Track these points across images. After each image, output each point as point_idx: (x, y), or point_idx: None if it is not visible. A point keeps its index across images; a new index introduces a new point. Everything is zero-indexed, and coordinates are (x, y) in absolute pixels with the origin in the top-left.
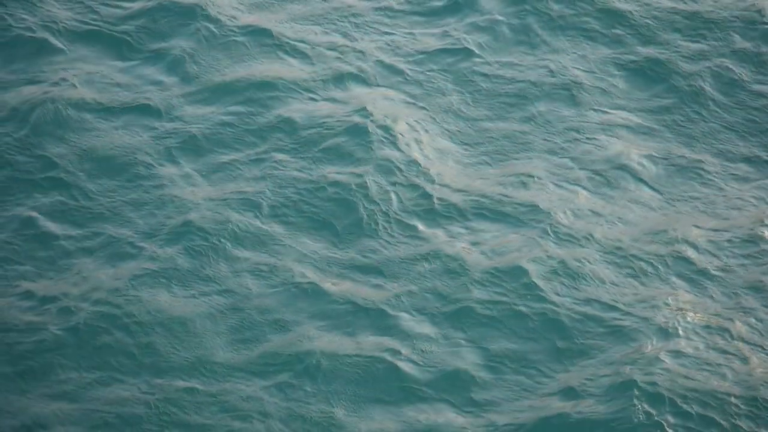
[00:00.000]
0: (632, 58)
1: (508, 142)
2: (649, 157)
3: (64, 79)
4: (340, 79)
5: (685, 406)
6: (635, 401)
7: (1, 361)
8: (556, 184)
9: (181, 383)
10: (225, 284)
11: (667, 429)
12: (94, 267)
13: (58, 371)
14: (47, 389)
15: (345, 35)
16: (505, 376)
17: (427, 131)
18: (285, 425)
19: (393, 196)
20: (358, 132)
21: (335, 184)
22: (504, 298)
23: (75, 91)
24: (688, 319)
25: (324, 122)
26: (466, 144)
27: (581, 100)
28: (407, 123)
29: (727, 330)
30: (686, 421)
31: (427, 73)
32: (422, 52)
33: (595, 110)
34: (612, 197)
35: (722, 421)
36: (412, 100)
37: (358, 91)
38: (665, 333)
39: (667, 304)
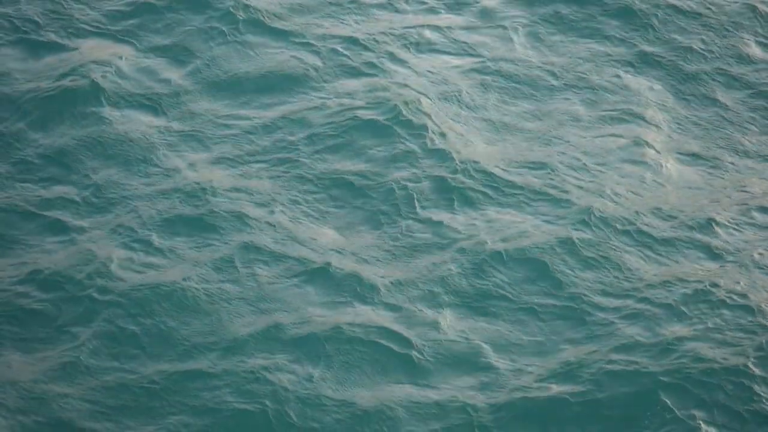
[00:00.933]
0: (639, 57)
1: (520, 134)
2: (660, 150)
3: (72, 74)
4: (350, 72)
5: (705, 391)
6: (654, 386)
7: (8, 347)
8: (570, 175)
9: (188, 367)
10: (235, 272)
11: (688, 417)
12: (103, 257)
13: (64, 359)
14: (52, 377)
15: (354, 30)
16: (516, 362)
17: (439, 124)
18: (292, 406)
19: (407, 186)
20: (369, 124)
21: (347, 175)
22: (518, 286)
23: (83, 85)
24: (707, 300)
25: (335, 116)
26: (479, 135)
27: (590, 99)
28: (419, 115)
29: (749, 309)
30: (706, 405)
31: (436, 69)
32: (430, 50)
33: (604, 108)
34: (626, 186)
35: (743, 405)
36: (423, 93)
37: (368, 84)
38: (683, 315)
39: (685, 287)
